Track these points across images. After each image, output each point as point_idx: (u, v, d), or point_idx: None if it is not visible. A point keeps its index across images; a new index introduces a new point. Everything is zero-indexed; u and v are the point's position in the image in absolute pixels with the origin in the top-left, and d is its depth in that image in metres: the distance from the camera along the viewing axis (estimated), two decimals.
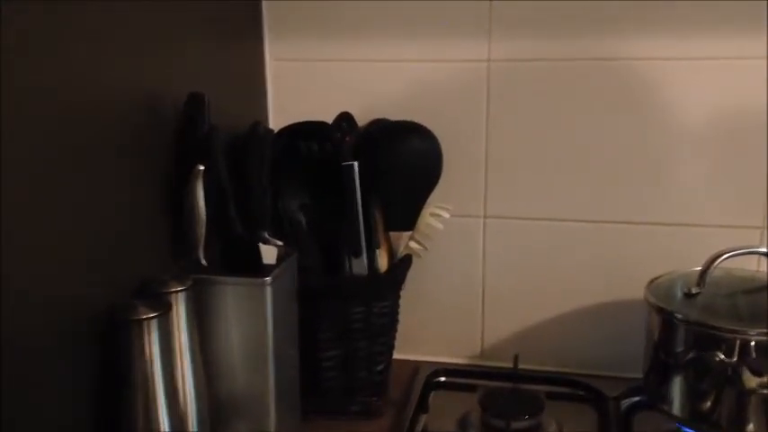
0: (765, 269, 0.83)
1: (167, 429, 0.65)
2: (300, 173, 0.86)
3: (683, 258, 0.89)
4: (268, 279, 0.74)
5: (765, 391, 0.70)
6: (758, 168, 0.88)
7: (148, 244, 0.73)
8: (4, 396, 0.53)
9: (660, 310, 0.78)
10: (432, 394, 0.92)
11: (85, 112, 0.61)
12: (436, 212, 0.91)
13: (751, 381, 0.69)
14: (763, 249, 0.78)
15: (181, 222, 0.74)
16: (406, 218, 0.90)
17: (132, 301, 0.64)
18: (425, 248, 0.92)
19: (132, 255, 0.70)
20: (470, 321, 1.01)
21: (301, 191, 0.87)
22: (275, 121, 0.99)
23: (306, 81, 0.99)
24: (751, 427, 0.73)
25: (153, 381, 0.64)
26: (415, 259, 0.93)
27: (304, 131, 0.87)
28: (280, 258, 0.79)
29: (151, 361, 0.64)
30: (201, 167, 0.72)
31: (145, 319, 0.62)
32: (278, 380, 0.77)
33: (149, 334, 0.63)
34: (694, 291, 0.77)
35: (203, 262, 0.75)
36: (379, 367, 0.91)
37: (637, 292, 0.87)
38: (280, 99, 1.00)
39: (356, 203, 0.85)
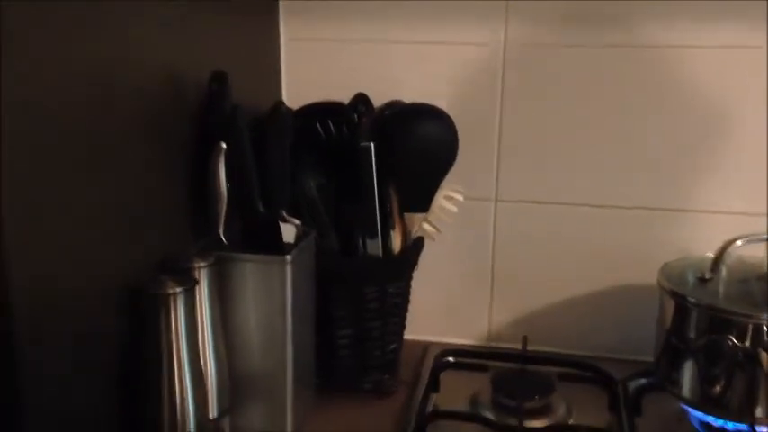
0: None
1: (192, 402, 0.65)
2: (316, 153, 0.87)
3: (690, 244, 0.91)
4: (289, 257, 0.75)
5: None
6: (761, 155, 0.89)
7: (169, 221, 0.73)
8: (30, 370, 0.53)
9: (674, 294, 0.79)
10: (442, 374, 0.93)
11: (108, 91, 0.61)
12: (450, 195, 0.91)
13: (765, 365, 0.70)
14: None
15: (202, 200, 0.74)
16: (422, 200, 0.90)
17: (160, 276, 0.65)
18: (438, 231, 0.93)
19: (154, 231, 0.70)
20: (479, 303, 1.02)
21: (317, 171, 0.87)
22: (288, 102, 0.98)
23: (320, 62, 0.99)
24: (759, 411, 0.75)
25: (179, 354, 0.64)
26: (426, 241, 0.94)
27: (321, 112, 0.87)
28: (298, 237, 0.80)
29: (177, 334, 0.64)
30: (224, 145, 0.72)
31: (173, 293, 0.63)
32: (295, 357, 0.78)
33: (176, 308, 0.64)
34: (708, 276, 0.78)
35: (223, 240, 0.75)
36: (392, 346, 0.92)
37: (645, 277, 0.88)
38: (293, 79, 1.00)
39: (372, 185, 0.85)
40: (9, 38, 0.48)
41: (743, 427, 0.76)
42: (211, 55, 0.79)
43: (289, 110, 0.78)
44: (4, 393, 0.52)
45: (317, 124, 0.86)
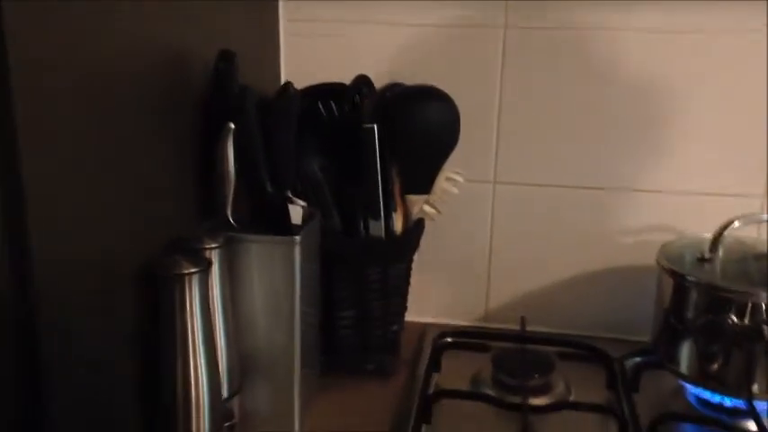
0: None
1: (206, 384, 0.65)
2: (319, 135, 0.87)
3: (687, 226, 0.93)
4: (298, 238, 0.75)
5: None
6: (759, 136, 0.91)
7: (177, 202, 0.73)
8: (44, 351, 0.53)
9: (673, 273, 0.81)
10: (442, 354, 0.94)
11: (114, 70, 0.60)
12: (451, 177, 0.92)
13: (763, 342, 0.73)
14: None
15: (209, 181, 0.74)
16: (424, 181, 0.91)
17: (174, 257, 0.64)
18: (439, 212, 0.94)
19: (161, 212, 0.69)
20: (477, 284, 1.04)
21: (320, 152, 0.87)
22: None
23: (319, 42, 0.99)
24: (756, 387, 0.77)
25: (194, 336, 0.64)
26: (426, 222, 0.94)
27: (323, 93, 0.87)
28: (304, 219, 0.80)
29: (192, 316, 0.64)
30: (232, 125, 0.72)
31: (188, 273, 0.63)
32: (302, 338, 0.78)
33: (191, 289, 0.63)
34: (706, 256, 0.80)
35: (232, 221, 0.75)
36: (393, 327, 0.93)
37: (641, 258, 0.90)
38: (293, 60, 1.00)
39: (375, 166, 0.86)
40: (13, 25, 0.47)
41: (740, 402, 0.78)
42: (212, 35, 0.79)
43: (296, 91, 0.77)
44: (26, 379, 0.52)
45: (320, 105, 0.86)
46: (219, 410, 0.69)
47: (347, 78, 0.90)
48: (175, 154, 0.72)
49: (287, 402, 0.80)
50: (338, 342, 0.90)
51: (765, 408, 0.78)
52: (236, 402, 0.76)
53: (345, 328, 0.90)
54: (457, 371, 0.92)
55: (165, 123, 0.69)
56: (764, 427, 0.74)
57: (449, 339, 0.98)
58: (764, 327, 0.72)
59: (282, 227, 0.76)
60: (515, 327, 0.97)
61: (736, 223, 0.79)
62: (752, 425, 0.76)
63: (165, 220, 0.70)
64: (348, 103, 0.86)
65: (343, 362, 0.91)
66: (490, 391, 0.86)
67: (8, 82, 0.47)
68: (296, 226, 0.78)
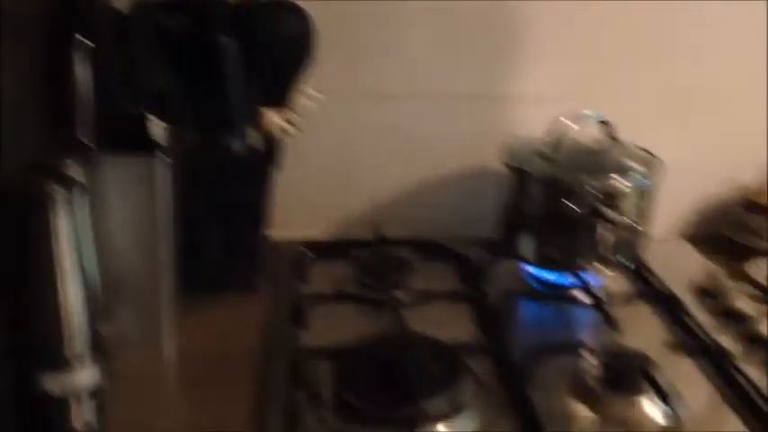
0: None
1: (76, 308, 0.63)
2: (174, 48, 0.84)
3: (525, 129, 1.01)
4: (158, 156, 0.73)
5: (611, 234, 0.85)
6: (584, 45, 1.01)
7: (31, 123, 0.68)
8: None
9: (515, 170, 0.89)
10: (306, 266, 0.98)
11: None
12: (308, 91, 0.93)
13: (599, 225, 0.84)
14: (600, 116, 0.91)
15: (62, 100, 0.70)
16: (280, 96, 0.91)
17: (34, 179, 0.61)
18: (298, 127, 0.95)
19: (16, 135, 0.65)
20: (335, 197, 1.07)
21: (176, 67, 0.84)
22: None
23: None
24: (587, 263, 0.89)
25: (59, 259, 0.62)
26: (284, 138, 0.95)
27: (174, 4, 0.84)
28: (162, 136, 0.78)
29: (56, 238, 0.61)
30: (83, 39, 0.68)
31: (50, 195, 0.60)
32: (166, 259, 0.77)
33: (54, 212, 0.60)
34: (546, 152, 0.89)
35: (87, 140, 0.72)
36: (255, 244, 0.94)
37: (487, 159, 0.98)
38: None
39: (231, 81, 0.85)
40: None
41: (570, 275, 0.90)
42: None
43: (150, 4, 0.74)
44: None
45: (172, 17, 0.82)
46: (90, 336, 0.67)
47: None
48: (25, 74, 0.67)
49: (154, 325, 0.79)
50: (203, 261, 0.90)
51: (594, 280, 0.89)
52: (104, 328, 0.74)
53: (208, 247, 0.90)
54: (322, 279, 0.96)
55: (14, 40, 0.64)
56: (594, 294, 0.86)
57: (311, 251, 1.01)
58: (592, 211, 0.83)
59: (142, 145, 0.74)
60: (374, 236, 1.02)
61: (570, 122, 0.88)
62: (583, 296, 0.88)
63: (21, 143, 0.65)
64: (202, 13, 0.83)
65: (209, 281, 0.91)
66: (356, 292, 0.90)
67: None
68: (156, 144, 0.76)
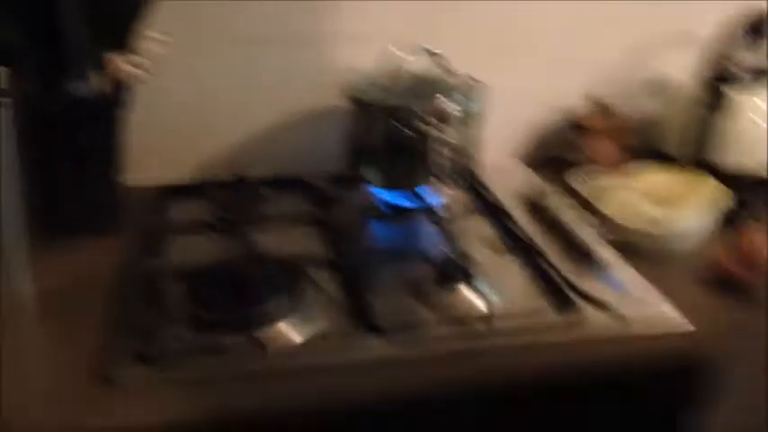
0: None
1: None
2: None
3: (365, 65, 1.07)
4: (2, 100, 0.75)
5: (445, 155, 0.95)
6: None
7: None
8: None
9: (356, 101, 0.96)
10: (165, 207, 1.01)
11: None
12: (153, 36, 0.96)
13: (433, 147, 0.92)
14: (431, 48, 0.98)
15: None
16: (121, 40, 0.93)
17: None
18: (147, 71, 0.97)
19: None
20: (188, 140, 1.10)
21: (15, 11, 0.85)
22: None
23: None
24: (420, 179, 0.97)
25: None
26: (133, 84, 0.98)
27: None
28: (6, 82, 0.79)
29: None
30: None
31: None
32: (12, 200, 0.79)
33: None
34: (383, 83, 0.96)
35: None
36: (111, 188, 0.97)
37: (332, 97, 1.04)
38: None
39: (69, 24, 0.86)
40: None
41: (412, 196, 0.98)
42: None
43: None
44: None
45: None
46: None
47: None
48: None
49: (3, 265, 0.80)
50: (57, 205, 0.92)
51: (433, 198, 0.98)
52: None
53: (60, 193, 0.92)
54: (179, 217, 1.00)
55: None
56: (433, 211, 0.95)
57: (168, 193, 1.05)
58: (421, 132, 0.91)
59: None
60: (230, 178, 1.06)
61: (404, 55, 0.95)
62: (424, 213, 0.97)
63: None
64: None
65: (64, 224, 0.93)
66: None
67: None
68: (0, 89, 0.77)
